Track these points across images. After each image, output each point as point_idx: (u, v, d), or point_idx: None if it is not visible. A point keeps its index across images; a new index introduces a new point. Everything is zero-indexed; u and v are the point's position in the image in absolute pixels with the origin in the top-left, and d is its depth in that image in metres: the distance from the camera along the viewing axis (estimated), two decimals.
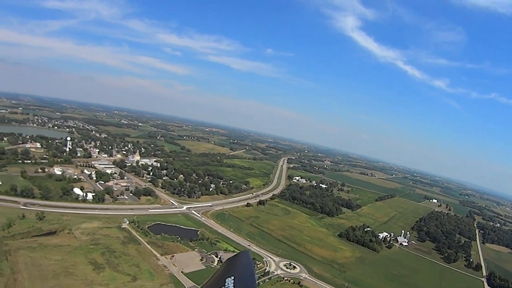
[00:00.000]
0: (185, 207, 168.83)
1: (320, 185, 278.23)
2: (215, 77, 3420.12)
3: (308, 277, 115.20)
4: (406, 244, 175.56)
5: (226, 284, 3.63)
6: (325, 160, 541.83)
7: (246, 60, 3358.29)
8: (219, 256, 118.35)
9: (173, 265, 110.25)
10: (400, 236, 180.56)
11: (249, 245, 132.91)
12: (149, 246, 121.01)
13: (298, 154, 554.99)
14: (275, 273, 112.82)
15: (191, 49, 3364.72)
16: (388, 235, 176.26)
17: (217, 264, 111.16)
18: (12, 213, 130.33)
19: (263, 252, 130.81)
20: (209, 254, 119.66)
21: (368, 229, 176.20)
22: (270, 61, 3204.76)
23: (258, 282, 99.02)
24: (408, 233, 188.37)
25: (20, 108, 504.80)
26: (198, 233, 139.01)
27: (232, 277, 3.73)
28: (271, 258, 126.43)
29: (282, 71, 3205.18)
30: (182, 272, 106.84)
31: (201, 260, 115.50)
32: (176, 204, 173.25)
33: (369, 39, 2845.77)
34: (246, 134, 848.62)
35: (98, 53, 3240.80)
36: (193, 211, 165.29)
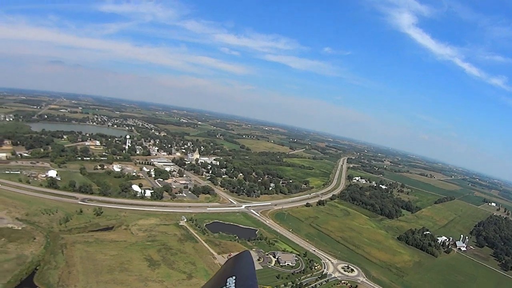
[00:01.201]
0: (244, 206, 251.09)
1: (380, 186, 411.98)
2: (274, 76, 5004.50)
3: (366, 281, 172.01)
4: (465, 249, 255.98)
5: (228, 284, 5.68)
6: (384, 160, 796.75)
7: (305, 58, 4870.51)
8: (276, 257, 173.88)
9: None
10: (459, 240, 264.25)
11: (308, 246, 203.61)
12: (206, 245, 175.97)
13: (358, 154, 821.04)
14: (333, 276, 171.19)
15: (249, 49, 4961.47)
16: (447, 239, 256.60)
17: (274, 265, 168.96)
18: (70, 208, 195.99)
19: (321, 253, 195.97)
20: (267, 254, 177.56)
21: (427, 232, 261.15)
22: (328, 60, 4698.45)
23: (316, 285, 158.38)
24: (466, 237, 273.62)
25: (80, 108, 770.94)
26: (256, 232, 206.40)
27: (234, 277, 5.85)
28: (329, 260, 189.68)
29: (341, 70, 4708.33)
30: None
31: (259, 260, 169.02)
32: (235, 202, 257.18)
33: (426, 36, 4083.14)
34: (305, 133, 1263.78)
35: (156, 54, 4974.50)
36: (252, 210, 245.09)
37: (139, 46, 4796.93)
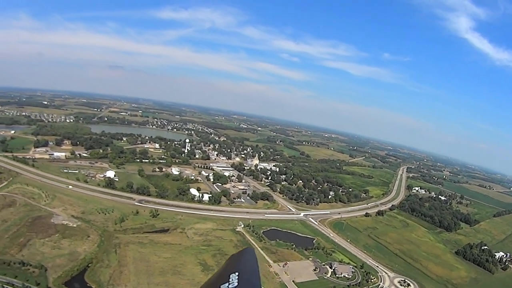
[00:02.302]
0: (302, 214, 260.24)
1: (439, 197, 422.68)
2: (333, 83, 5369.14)
3: None
4: None
5: (230, 280, 6.10)
6: (443, 170, 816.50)
7: (364, 65, 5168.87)
8: (333, 268, 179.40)
9: (285, 273, 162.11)
10: None
11: (365, 258, 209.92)
12: (262, 252, 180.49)
13: (417, 163, 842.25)
14: None
15: (308, 55, 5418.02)
16: (504, 255, 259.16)
17: (330, 276, 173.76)
18: (126, 208, 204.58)
19: (378, 266, 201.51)
20: (323, 265, 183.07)
21: (485, 247, 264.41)
22: (387, 66, 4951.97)
23: None
24: None
25: (140, 111, 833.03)
26: (314, 241, 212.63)
27: (236, 273, 6.28)
28: (386, 273, 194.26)
29: (400, 76, 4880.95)
30: (293, 281, 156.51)
31: (315, 270, 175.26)
32: (293, 210, 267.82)
33: (484, 40, 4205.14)
34: (365, 141, 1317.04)
35: (216, 59, 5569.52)
36: (310, 218, 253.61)
37: (199, 52, 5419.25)
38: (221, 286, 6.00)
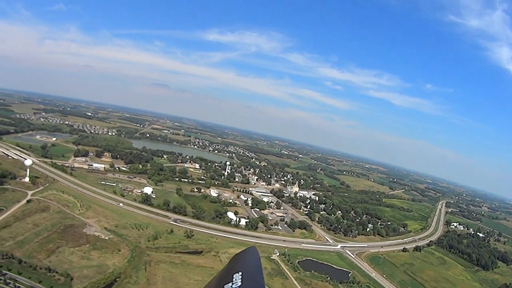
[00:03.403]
0: (339, 246, 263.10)
1: (477, 233, 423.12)
2: (375, 113, 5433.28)
3: None
4: None
5: (234, 279, 6.15)
6: (482, 205, 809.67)
7: (406, 95, 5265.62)
8: None
9: None
10: None
11: None
12: (296, 282, 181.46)
13: (456, 197, 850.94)
14: None
15: (352, 84, 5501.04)
16: None
17: None
18: (161, 226, 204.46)
19: None
20: None
21: None
22: (430, 97, 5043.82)
23: None
24: None
25: (182, 130, 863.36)
26: (350, 275, 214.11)
27: (240, 273, 6.34)
28: None
29: (442, 108, 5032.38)
30: None
31: None
32: (330, 241, 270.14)
33: None
34: (405, 173, 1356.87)
35: (260, 84, 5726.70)
36: (347, 251, 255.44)
37: (244, 75, 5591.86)
38: (225, 286, 6.11)
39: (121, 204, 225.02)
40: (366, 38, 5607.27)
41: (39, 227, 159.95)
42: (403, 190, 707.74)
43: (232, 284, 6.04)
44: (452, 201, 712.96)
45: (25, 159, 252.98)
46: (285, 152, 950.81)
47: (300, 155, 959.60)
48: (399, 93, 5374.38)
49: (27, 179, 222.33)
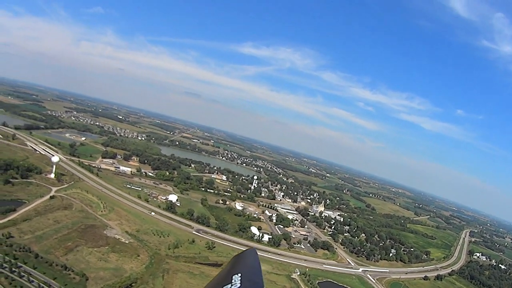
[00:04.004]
0: (361, 269, 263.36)
1: (499, 265, 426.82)
2: (405, 136, 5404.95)
3: None
4: None
5: (233, 281, 6.34)
6: (506, 236, 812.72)
7: (436, 120, 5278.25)
8: None
9: None
10: None
11: None
12: None
13: (480, 227, 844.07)
14: None
15: (383, 105, 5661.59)
16: None
17: None
18: (183, 235, 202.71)
19: None
20: None
21: None
22: (459, 123, 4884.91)
23: None
24: None
25: (212, 141, 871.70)
26: None
27: (239, 274, 6.56)
28: None
29: (471, 135, 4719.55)
30: None
31: None
32: (352, 264, 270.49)
33: None
34: (431, 199, 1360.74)
35: (292, 100, 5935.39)
36: (368, 275, 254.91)
37: (276, 91, 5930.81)
38: (224, 287, 6.24)
39: (152, 213, 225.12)
40: (400, 60, 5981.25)
41: (60, 224, 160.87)
42: (428, 216, 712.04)
43: (231, 285, 6.19)
44: (476, 230, 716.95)
45: (53, 155, 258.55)
46: (313, 170, 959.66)
47: (328, 174, 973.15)
48: (429, 117, 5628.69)
49: (52, 175, 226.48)
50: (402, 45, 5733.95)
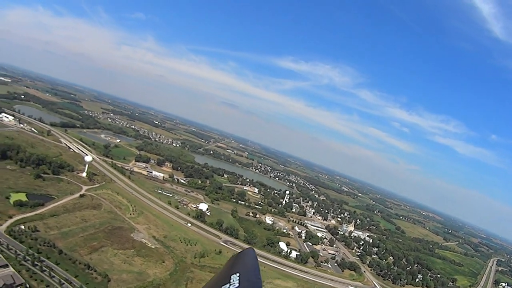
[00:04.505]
0: None
1: None
2: (438, 159, 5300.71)
3: None
4: None
5: (231, 280, 6.37)
6: None
7: (471, 144, 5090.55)
8: None
9: None
10: None
11: None
12: None
13: (508, 256, 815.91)
14: None
15: (419, 127, 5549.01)
16: None
17: None
18: (210, 245, 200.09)
19: None
20: None
21: None
22: (494, 148, 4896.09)
23: None
24: None
25: (246, 153, 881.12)
26: None
27: (238, 274, 6.55)
28: None
29: (505, 161, 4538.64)
30: None
31: None
32: (378, 287, 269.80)
33: None
34: (460, 224, 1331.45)
35: (328, 117, 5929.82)
36: None
37: (313, 107, 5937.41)
38: (222, 287, 6.36)
39: (189, 225, 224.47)
40: (437, 82, 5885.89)
41: (87, 223, 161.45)
42: (457, 242, 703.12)
43: (230, 285, 6.29)
44: (503, 259, 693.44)
45: (86, 154, 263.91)
46: (345, 189, 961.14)
47: (360, 194, 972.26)
48: (464, 141, 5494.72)
49: (84, 174, 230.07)
50: (440, 67, 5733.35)
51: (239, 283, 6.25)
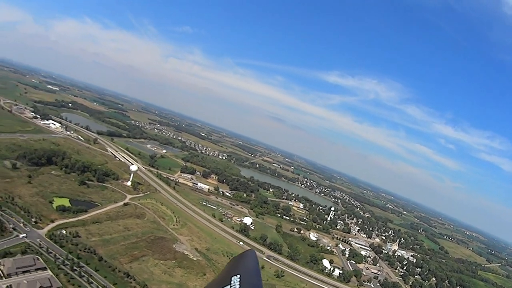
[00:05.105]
0: None
1: None
2: (483, 177, 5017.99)
3: None
4: None
5: (232, 282, 6.35)
6: None
7: None
8: None
9: None
10: None
11: None
12: None
13: None
14: None
15: (464, 144, 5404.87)
16: None
17: None
18: None
19: None
20: None
21: None
22: None
23: None
24: None
25: (292, 167, 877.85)
26: None
27: (238, 276, 6.52)
28: None
29: None
30: None
31: None
32: None
33: None
34: (504, 245, 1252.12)
35: (374, 133, 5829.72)
36: None
37: (359, 122, 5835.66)
38: None
39: (241, 243, 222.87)
40: (483, 97, 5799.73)
41: (129, 232, 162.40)
42: (500, 264, 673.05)
43: (230, 286, 6.30)
44: None
45: (132, 164, 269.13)
46: (390, 206, 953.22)
47: (404, 212, 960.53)
48: (509, 158, 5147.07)
49: (129, 183, 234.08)
50: (486, 82, 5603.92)
51: (239, 285, 6.29)
